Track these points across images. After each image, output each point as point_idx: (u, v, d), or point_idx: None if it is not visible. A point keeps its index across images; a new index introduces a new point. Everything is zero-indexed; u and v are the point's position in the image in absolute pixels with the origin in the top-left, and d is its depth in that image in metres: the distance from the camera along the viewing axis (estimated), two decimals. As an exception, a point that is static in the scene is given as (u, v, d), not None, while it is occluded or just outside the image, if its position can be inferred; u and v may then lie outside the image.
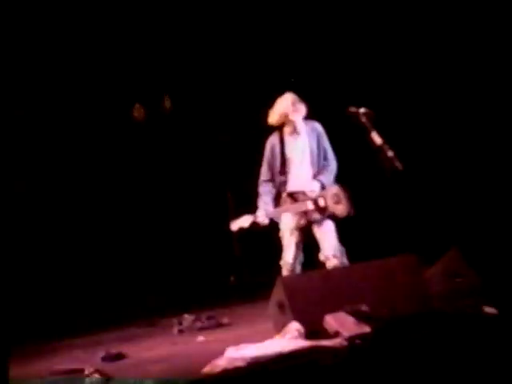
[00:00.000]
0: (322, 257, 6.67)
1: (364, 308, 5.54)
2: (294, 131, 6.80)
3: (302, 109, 6.78)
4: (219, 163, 9.67)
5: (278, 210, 6.67)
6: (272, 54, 9.72)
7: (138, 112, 9.38)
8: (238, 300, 8.49)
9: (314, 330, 5.35)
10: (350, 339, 5.03)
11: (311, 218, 6.67)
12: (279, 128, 6.82)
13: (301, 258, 6.72)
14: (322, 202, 6.71)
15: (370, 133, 6.43)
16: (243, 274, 9.33)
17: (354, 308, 5.50)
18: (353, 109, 6.49)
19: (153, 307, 8.41)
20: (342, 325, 5.27)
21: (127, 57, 9.54)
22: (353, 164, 7.23)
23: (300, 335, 5.29)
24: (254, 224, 6.51)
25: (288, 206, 6.68)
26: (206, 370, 4.87)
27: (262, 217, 6.49)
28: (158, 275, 9.16)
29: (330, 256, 6.61)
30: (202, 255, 9.34)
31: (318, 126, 6.88)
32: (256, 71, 9.73)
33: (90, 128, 9.44)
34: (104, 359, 5.93)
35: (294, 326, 5.36)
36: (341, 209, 6.74)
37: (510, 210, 8.73)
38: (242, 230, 6.54)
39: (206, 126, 9.86)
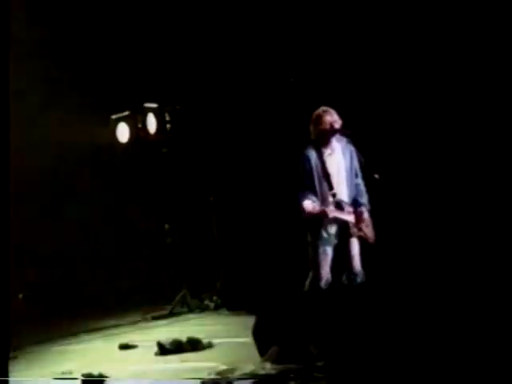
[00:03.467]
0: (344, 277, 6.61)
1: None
2: (329, 147, 6.58)
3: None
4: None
5: (324, 208, 6.37)
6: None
7: None
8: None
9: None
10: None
11: (351, 232, 6.51)
12: (314, 143, 6.60)
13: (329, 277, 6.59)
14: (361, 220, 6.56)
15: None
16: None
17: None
18: None
19: None
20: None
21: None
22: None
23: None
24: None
25: (335, 210, 6.44)
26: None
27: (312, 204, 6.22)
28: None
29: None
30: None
31: (351, 144, 6.66)
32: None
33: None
34: None
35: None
36: (370, 232, 6.63)
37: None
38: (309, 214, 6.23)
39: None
